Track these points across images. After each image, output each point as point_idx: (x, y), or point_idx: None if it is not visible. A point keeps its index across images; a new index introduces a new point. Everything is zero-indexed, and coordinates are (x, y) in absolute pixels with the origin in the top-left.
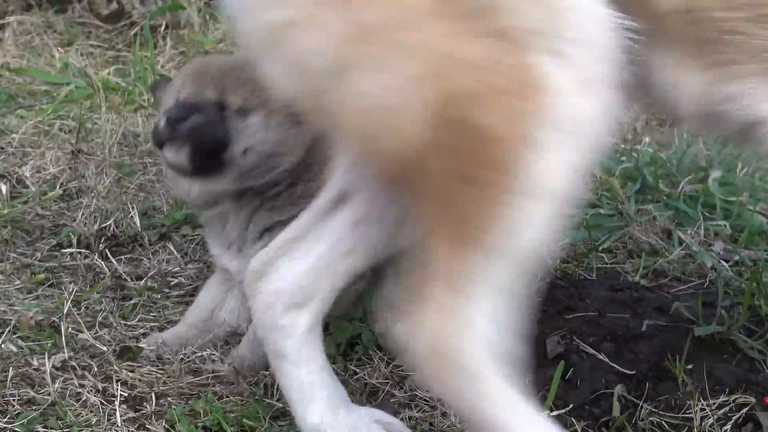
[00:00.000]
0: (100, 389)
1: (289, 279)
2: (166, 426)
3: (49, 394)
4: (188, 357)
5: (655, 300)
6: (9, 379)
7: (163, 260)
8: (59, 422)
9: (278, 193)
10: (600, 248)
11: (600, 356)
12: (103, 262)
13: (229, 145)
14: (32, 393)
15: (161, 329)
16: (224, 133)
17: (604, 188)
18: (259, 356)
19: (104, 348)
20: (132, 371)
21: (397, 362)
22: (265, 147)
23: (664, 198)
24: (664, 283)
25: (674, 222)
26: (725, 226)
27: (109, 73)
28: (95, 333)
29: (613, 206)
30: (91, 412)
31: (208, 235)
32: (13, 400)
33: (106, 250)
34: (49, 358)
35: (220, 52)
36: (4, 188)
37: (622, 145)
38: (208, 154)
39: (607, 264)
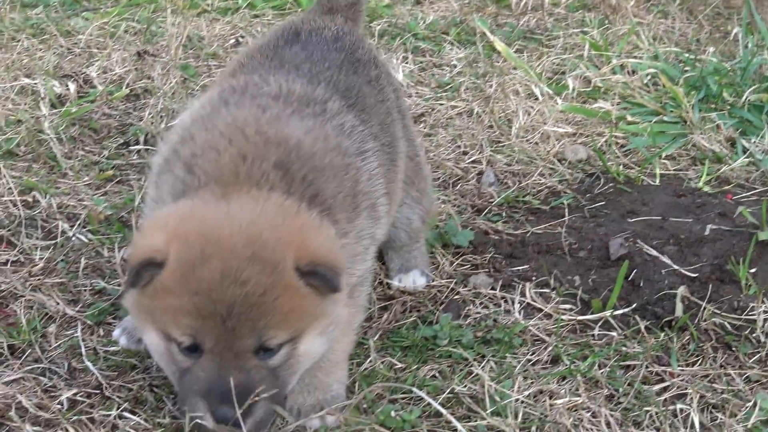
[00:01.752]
0: None
1: None
2: None
3: (119, 285)
4: None
5: (718, 206)
6: (81, 270)
7: None
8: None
9: None
10: (663, 155)
11: (663, 258)
12: None
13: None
14: (103, 283)
15: None
16: (283, 398)
17: (668, 96)
18: None
19: None
20: None
21: (461, 261)
22: (318, 357)
23: (728, 107)
24: (727, 190)
25: (738, 130)
26: None
27: None
28: None
29: (677, 114)
30: None
31: None
32: (85, 290)
33: None
34: (118, 250)
35: None
36: (72, 87)
37: (686, 55)
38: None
39: (670, 170)
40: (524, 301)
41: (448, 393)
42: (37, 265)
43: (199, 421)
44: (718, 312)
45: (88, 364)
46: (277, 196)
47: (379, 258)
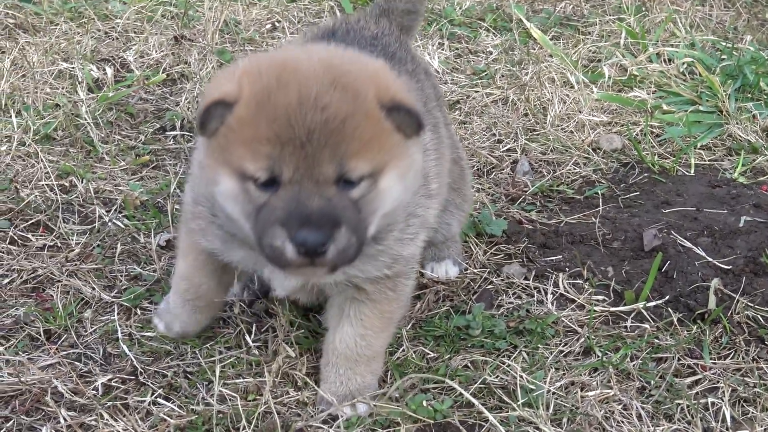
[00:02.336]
0: None
1: None
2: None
3: (154, 271)
4: None
5: (752, 197)
6: (117, 255)
7: None
8: (163, 296)
9: None
10: (699, 145)
11: (697, 250)
12: None
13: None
14: (138, 269)
15: None
16: (364, 236)
17: (704, 86)
18: None
19: None
20: None
21: (495, 250)
22: (398, 203)
23: (765, 96)
24: (762, 181)
25: None
26: None
27: None
28: None
29: (713, 103)
30: None
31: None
32: (121, 276)
33: None
34: (154, 236)
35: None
36: (109, 72)
37: (723, 43)
38: (350, 263)
39: (705, 161)
40: (557, 292)
41: (480, 383)
42: (73, 250)
43: (279, 249)
44: (752, 305)
45: (125, 348)
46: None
47: None
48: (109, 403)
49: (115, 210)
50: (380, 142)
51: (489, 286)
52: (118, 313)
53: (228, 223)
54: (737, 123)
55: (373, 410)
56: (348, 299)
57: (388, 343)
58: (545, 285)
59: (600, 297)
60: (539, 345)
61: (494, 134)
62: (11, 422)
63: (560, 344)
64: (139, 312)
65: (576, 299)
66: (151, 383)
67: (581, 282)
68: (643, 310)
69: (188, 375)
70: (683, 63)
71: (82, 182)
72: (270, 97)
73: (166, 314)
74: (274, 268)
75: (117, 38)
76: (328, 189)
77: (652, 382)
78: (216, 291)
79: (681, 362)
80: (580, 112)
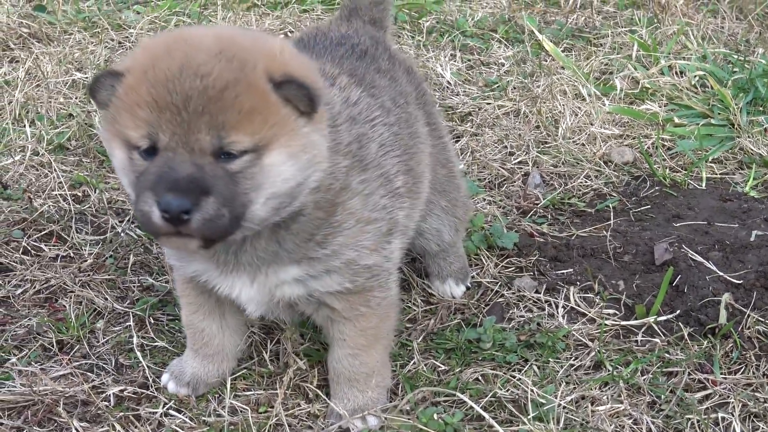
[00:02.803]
0: None
1: None
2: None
3: (167, 282)
4: None
5: (764, 211)
6: (129, 266)
7: None
8: (176, 308)
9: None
10: (710, 158)
11: (708, 264)
12: None
13: (245, 219)
14: (151, 280)
15: None
16: (241, 212)
17: (716, 99)
18: None
19: None
20: None
21: (506, 263)
22: (289, 185)
23: None
24: None
25: None
26: None
27: None
28: None
29: (725, 117)
30: None
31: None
32: (133, 286)
33: None
34: None
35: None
36: None
37: (735, 56)
38: (222, 237)
39: (716, 174)
40: (568, 305)
41: (491, 397)
42: (86, 260)
43: (147, 214)
44: (762, 320)
45: (139, 355)
46: None
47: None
48: (121, 414)
49: (128, 220)
50: (264, 116)
51: (500, 299)
52: (130, 324)
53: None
54: (749, 136)
55: (384, 423)
56: (327, 319)
57: (384, 356)
58: (556, 298)
59: (611, 311)
60: (550, 359)
61: (506, 146)
62: None
63: (571, 358)
64: (152, 321)
65: (587, 313)
66: (163, 395)
67: (592, 295)
68: (653, 324)
69: None
70: (695, 76)
71: (95, 192)
72: (155, 65)
73: (176, 366)
74: (226, 280)
75: (130, 48)
76: (204, 158)
77: (663, 396)
78: (221, 336)
79: (691, 377)
80: (591, 124)
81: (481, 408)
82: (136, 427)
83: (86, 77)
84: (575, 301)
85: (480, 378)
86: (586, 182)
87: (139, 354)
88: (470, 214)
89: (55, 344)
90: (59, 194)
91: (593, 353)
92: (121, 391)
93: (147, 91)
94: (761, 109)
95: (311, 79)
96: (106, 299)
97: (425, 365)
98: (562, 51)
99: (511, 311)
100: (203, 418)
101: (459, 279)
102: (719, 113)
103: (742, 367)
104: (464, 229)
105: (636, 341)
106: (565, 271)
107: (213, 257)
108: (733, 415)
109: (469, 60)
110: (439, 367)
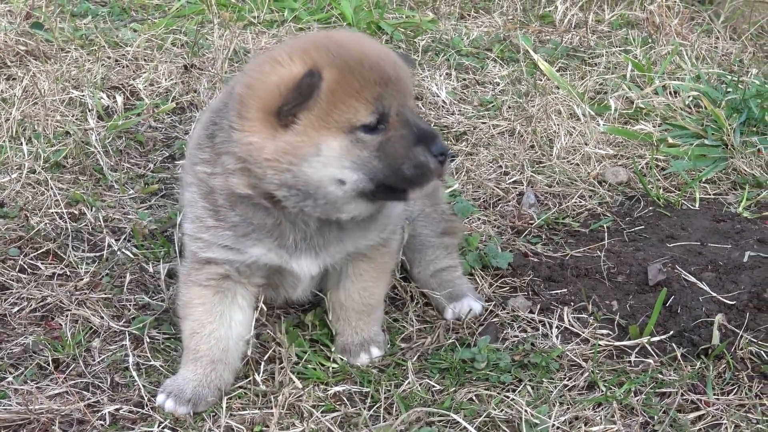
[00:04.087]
0: None
1: None
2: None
3: (163, 300)
4: None
5: (757, 231)
6: (125, 284)
7: None
8: (172, 327)
9: None
10: (703, 179)
11: (701, 285)
12: None
13: None
14: (147, 298)
15: None
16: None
17: (709, 119)
18: None
19: None
20: None
21: (500, 283)
22: None
23: None
24: (767, 216)
25: None
26: None
27: None
28: None
29: (718, 137)
30: None
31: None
32: (129, 305)
33: None
34: (163, 265)
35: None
36: (119, 100)
37: (728, 76)
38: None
39: (710, 194)
40: (562, 326)
41: (485, 417)
42: (82, 279)
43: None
44: (755, 341)
45: (134, 374)
46: None
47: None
48: None
49: (124, 239)
50: None
51: (494, 319)
52: (126, 343)
53: (302, 198)
54: (742, 157)
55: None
56: (347, 263)
57: (385, 291)
58: (550, 318)
59: (604, 331)
60: (544, 379)
61: (501, 166)
62: None
63: (565, 378)
64: (147, 340)
65: (581, 333)
66: (159, 414)
67: (586, 316)
68: (647, 345)
69: None
70: (689, 96)
71: (91, 210)
72: (360, 59)
73: (173, 385)
74: (299, 255)
75: (127, 66)
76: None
77: (656, 417)
78: (226, 341)
79: (684, 397)
80: (586, 144)
81: (475, 428)
82: None
83: (83, 95)
84: (569, 321)
85: (474, 398)
86: (580, 202)
87: (134, 373)
88: (457, 225)
89: (51, 362)
90: (56, 212)
91: (587, 373)
92: (117, 410)
93: (369, 72)
94: (754, 129)
95: None
96: (102, 318)
97: (420, 385)
98: (557, 70)
99: (505, 331)
100: None
101: (475, 296)
102: (713, 133)
103: (735, 388)
104: (457, 244)
105: (629, 362)
106: (559, 291)
107: (284, 243)
108: None
109: (465, 79)
110: (434, 387)
